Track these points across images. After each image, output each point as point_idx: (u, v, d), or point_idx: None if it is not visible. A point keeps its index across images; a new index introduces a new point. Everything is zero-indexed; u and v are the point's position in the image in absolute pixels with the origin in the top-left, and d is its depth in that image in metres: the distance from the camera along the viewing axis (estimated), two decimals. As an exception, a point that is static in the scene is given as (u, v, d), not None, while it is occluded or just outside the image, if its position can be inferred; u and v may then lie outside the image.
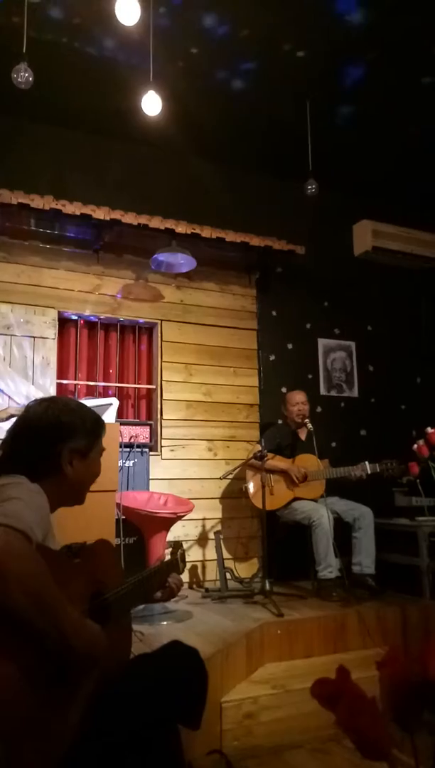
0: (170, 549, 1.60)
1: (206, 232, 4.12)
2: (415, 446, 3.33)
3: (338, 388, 4.83)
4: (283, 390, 4.41)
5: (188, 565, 4.01)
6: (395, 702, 0.80)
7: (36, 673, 1.08)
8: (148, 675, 1.33)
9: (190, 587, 3.95)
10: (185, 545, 4.03)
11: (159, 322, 4.30)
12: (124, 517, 3.09)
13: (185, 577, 3.96)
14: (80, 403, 1.51)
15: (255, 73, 3.62)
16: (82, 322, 4.19)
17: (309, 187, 3.95)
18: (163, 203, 4.19)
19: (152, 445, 3.93)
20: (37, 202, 3.65)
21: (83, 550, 1.36)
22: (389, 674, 0.81)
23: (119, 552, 1.38)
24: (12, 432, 1.41)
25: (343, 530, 3.63)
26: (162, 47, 3.19)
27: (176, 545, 1.62)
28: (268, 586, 3.35)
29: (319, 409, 4.58)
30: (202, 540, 4.12)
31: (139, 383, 4.34)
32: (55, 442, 1.38)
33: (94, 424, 1.46)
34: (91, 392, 4.15)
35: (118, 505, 2.93)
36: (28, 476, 1.28)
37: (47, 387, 3.81)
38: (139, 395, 4.37)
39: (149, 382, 4.36)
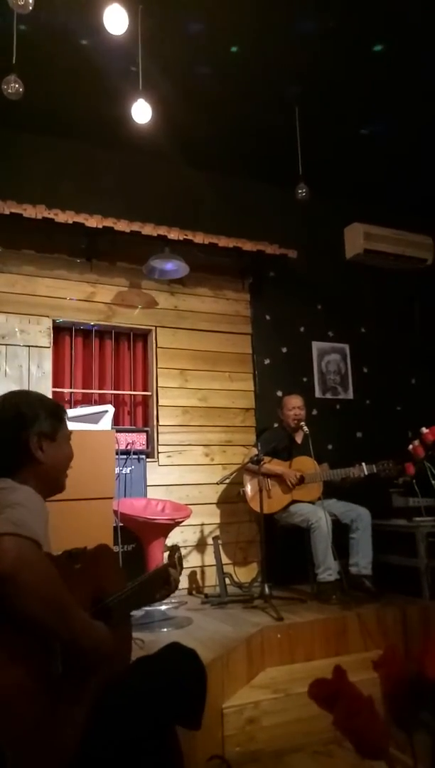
0: (168, 552, 1.63)
1: (199, 238, 4.14)
2: (411, 447, 3.35)
3: (333, 391, 4.83)
4: (279, 393, 4.42)
5: (187, 571, 4.00)
6: (392, 702, 0.81)
7: (41, 678, 1.09)
8: (147, 678, 1.35)
9: (190, 593, 3.94)
10: (184, 551, 4.03)
11: (153, 328, 4.31)
12: (121, 524, 3.09)
13: (184, 582, 3.95)
14: (38, 393, 1.57)
15: (244, 79, 3.64)
16: (76, 330, 4.20)
17: (300, 191, 3.97)
18: (156, 210, 4.20)
19: (149, 452, 3.93)
20: (30, 211, 3.67)
21: (83, 556, 1.38)
22: (386, 674, 0.81)
23: (118, 556, 1.41)
24: None
25: (341, 532, 3.64)
26: (150, 56, 3.21)
27: (173, 548, 1.65)
28: (267, 591, 3.35)
29: (314, 412, 4.58)
30: (200, 545, 4.11)
31: (134, 390, 4.35)
32: (20, 430, 1.41)
33: (54, 408, 1.52)
34: (87, 400, 4.15)
35: (115, 512, 2.93)
36: (4, 470, 1.32)
37: (43, 395, 3.80)
38: (135, 402, 4.37)
39: (145, 389, 4.36)
